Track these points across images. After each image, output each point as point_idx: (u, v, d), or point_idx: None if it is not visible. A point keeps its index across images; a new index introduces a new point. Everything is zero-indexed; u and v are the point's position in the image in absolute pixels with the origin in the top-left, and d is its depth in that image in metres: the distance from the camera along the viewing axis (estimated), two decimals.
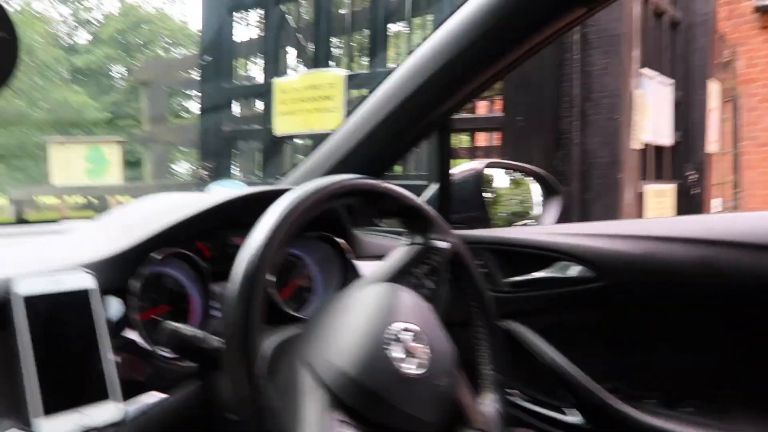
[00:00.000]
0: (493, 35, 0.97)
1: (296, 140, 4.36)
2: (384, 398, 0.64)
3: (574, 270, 1.05)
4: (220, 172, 4.27)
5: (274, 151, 4.12)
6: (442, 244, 0.82)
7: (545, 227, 1.17)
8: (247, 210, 0.79)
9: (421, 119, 1.08)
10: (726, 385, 0.97)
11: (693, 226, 0.98)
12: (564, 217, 3.11)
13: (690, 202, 4.18)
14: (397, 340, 0.67)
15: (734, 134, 6.34)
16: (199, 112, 4.76)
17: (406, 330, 0.68)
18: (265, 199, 0.69)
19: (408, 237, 0.83)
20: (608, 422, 1.01)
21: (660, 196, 3.81)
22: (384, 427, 0.64)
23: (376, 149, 1.10)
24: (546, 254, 1.07)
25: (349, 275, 1.03)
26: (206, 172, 4.27)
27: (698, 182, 4.23)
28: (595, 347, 1.06)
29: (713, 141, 4.49)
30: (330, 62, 3.86)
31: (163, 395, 0.77)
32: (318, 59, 3.84)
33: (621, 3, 3.06)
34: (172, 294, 0.88)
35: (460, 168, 1.23)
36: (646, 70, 3.42)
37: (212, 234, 0.92)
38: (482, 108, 3.97)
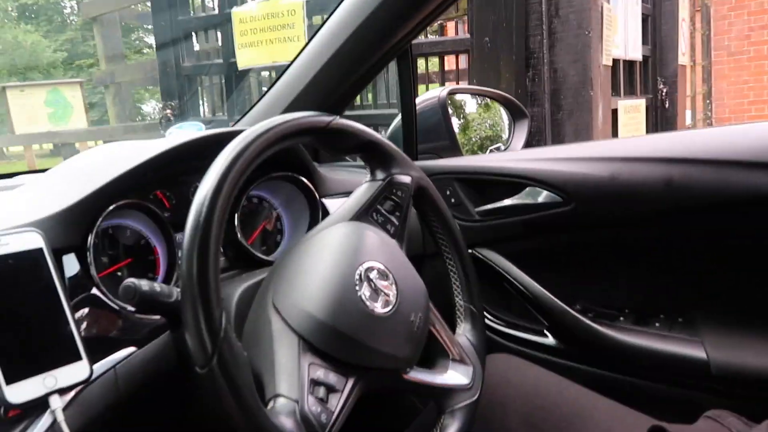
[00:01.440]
0: None
1: (263, 73, 4.22)
2: (355, 339, 0.64)
3: (543, 195, 1.04)
4: (185, 111, 4.15)
5: (239, 87, 3.99)
6: (405, 179, 0.81)
7: (513, 153, 1.16)
8: (202, 154, 0.76)
9: (378, 47, 1.03)
10: (693, 298, 0.99)
11: (656, 144, 0.98)
12: (537, 139, 3.10)
13: (662, 116, 4.19)
14: (365, 279, 0.67)
15: (705, 44, 6.30)
16: (155, 48, 4.55)
17: (372, 269, 0.68)
18: (221, 142, 0.66)
19: (369, 173, 0.82)
20: (580, 342, 1.03)
21: (632, 111, 3.81)
22: (358, 366, 0.64)
23: (333, 83, 1.06)
24: (514, 181, 1.06)
25: (316, 214, 1.01)
26: (170, 112, 4.14)
27: (669, 95, 4.22)
28: (566, 270, 1.08)
29: (684, 53, 4.46)
30: None
31: (132, 349, 0.76)
32: None
33: None
34: (136, 246, 0.86)
35: (423, 97, 1.19)
36: None
37: (171, 181, 0.89)
38: (451, 30, 3.86)
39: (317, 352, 0.63)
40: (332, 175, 1.06)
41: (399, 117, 1.14)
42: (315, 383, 0.61)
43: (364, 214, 0.77)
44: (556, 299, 1.05)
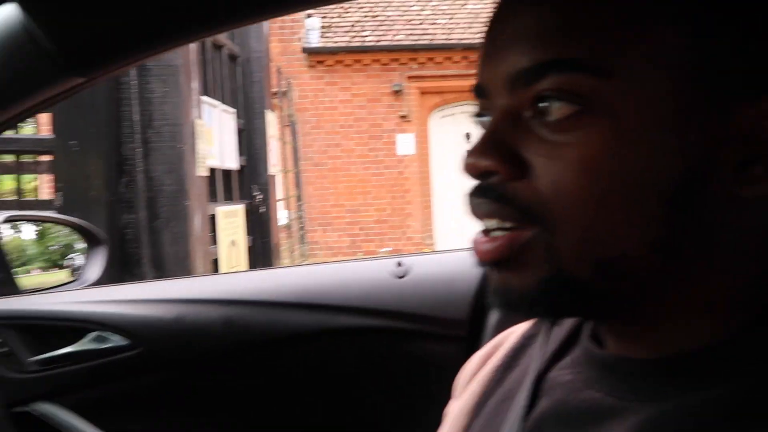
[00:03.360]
0: None
1: None
2: None
3: (109, 339, 1.00)
4: None
5: None
6: None
7: (78, 293, 1.09)
8: None
9: None
10: (262, 428, 1.05)
11: (217, 285, 1.06)
12: (135, 246, 2.99)
13: (259, 219, 4.55)
14: None
15: (294, 155, 7.25)
16: None
17: None
18: None
19: None
20: None
21: (231, 216, 4.04)
22: None
23: None
24: (78, 326, 1.00)
25: None
26: None
27: (264, 201, 4.64)
28: (141, 416, 1.04)
29: (274, 164, 5.01)
30: None
31: None
32: None
33: None
34: None
35: None
36: (208, 99, 3.58)
37: None
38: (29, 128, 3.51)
39: None
40: None
41: None
42: None
43: None
44: None
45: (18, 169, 3.24)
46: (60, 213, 2.80)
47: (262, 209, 4.62)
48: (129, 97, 2.98)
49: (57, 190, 2.94)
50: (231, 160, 4.10)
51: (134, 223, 3.05)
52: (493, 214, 0.35)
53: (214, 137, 3.71)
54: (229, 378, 1.04)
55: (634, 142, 0.32)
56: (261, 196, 4.61)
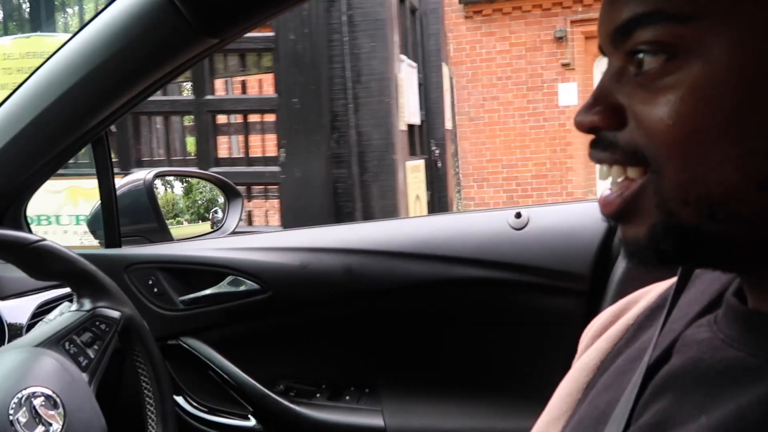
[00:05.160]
0: (124, 57, 0.73)
1: None
2: None
3: (242, 284, 0.90)
4: None
5: None
6: (113, 314, 0.67)
7: (216, 242, 1.00)
8: None
9: (67, 134, 0.79)
10: (376, 370, 0.94)
11: (338, 235, 0.93)
12: (346, 200, 2.78)
13: (436, 174, 4.24)
14: (24, 404, 0.54)
15: (451, 110, 6.45)
16: None
17: (37, 395, 0.56)
18: None
19: (76, 301, 0.67)
20: (280, 423, 0.90)
21: (415, 171, 3.76)
22: None
23: (12, 167, 0.79)
24: (217, 270, 0.91)
25: None
26: None
27: (441, 155, 4.32)
28: (267, 354, 0.95)
29: (448, 118, 4.64)
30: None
31: None
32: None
33: None
34: None
35: (128, 179, 0.98)
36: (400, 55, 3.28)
37: None
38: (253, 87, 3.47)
39: None
40: (6, 273, 0.80)
41: (99, 202, 0.91)
42: None
43: (55, 343, 0.62)
44: (257, 384, 0.90)
45: (242, 129, 3.17)
46: (283, 170, 2.77)
47: (439, 164, 4.32)
48: (341, 54, 2.72)
49: (279, 146, 2.81)
50: (415, 115, 3.82)
51: (345, 177, 2.81)
52: (607, 161, 0.32)
53: (407, 92, 3.42)
54: (347, 323, 0.94)
55: (727, 80, 0.27)
56: (438, 151, 4.30)
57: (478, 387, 0.88)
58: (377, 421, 0.87)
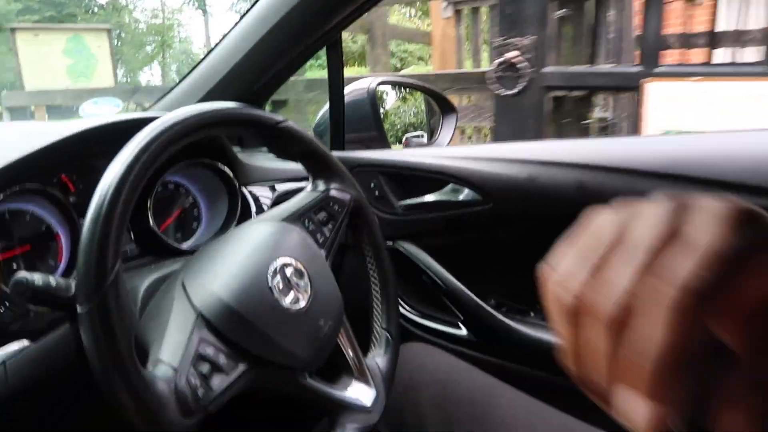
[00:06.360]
0: None
1: None
2: (255, 324, 0.52)
3: (464, 193, 0.87)
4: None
5: None
6: (344, 196, 0.68)
7: (436, 150, 0.97)
8: (112, 139, 0.61)
9: (308, 35, 0.82)
10: None
11: (571, 150, 0.84)
12: None
13: None
14: (279, 273, 0.55)
15: None
16: None
17: (289, 265, 0.57)
18: (131, 128, 0.52)
19: (311, 182, 0.69)
20: (492, 335, 0.88)
21: None
22: (251, 353, 0.51)
23: (256, 72, 0.84)
24: (437, 177, 0.89)
25: (235, 202, 0.82)
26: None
27: None
28: (482, 266, 0.92)
29: None
30: None
31: (25, 343, 0.60)
32: None
33: None
34: (36, 233, 0.67)
35: (352, 87, 0.99)
36: None
37: (77, 165, 0.70)
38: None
39: (212, 329, 0.50)
40: (254, 162, 0.86)
41: (327, 106, 0.94)
42: (201, 358, 0.49)
43: (297, 219, 0.65)
44: (471, 294, 0.89)
45: None
46: None
47: None
48: None
49: None
50: None
51: None
52: None
53: None
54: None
55: None
56: None
57: None
58: None
